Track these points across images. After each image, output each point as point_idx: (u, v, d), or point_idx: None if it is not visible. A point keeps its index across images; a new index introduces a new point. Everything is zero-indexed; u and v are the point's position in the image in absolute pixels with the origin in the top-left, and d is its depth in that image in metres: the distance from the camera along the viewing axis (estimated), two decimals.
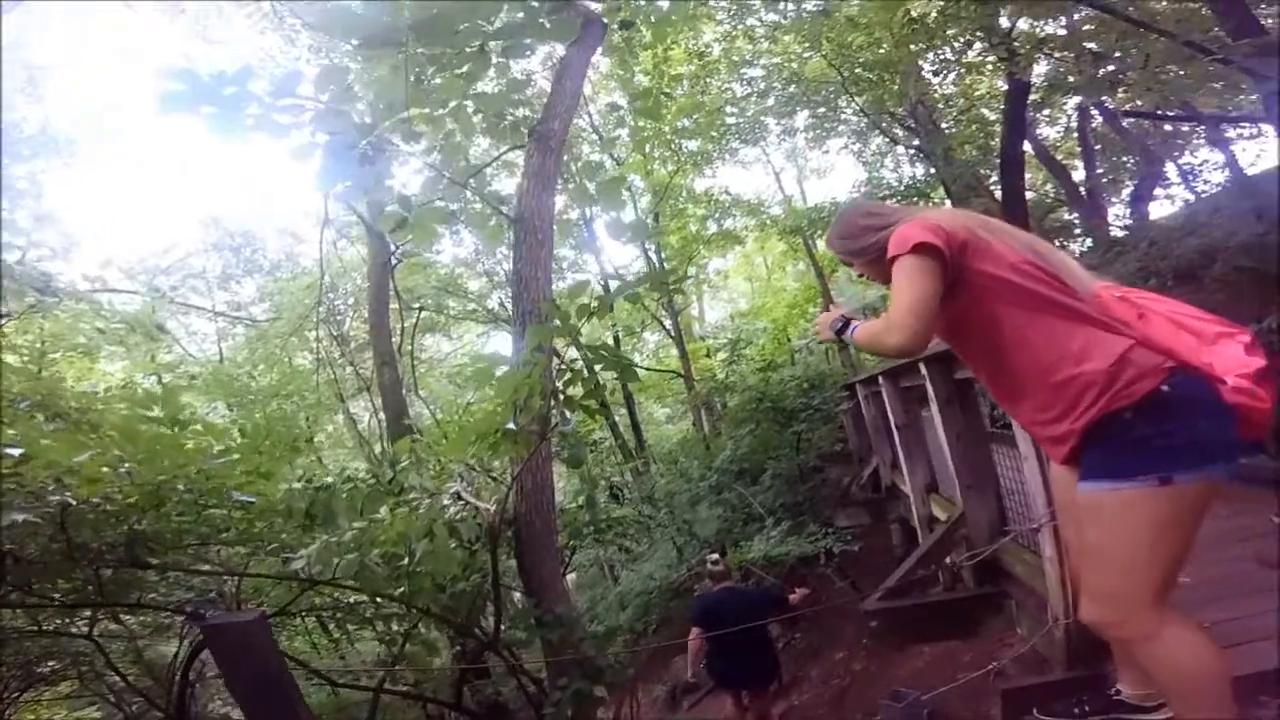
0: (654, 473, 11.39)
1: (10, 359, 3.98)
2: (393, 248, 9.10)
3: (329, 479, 3.36)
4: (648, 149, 12.74)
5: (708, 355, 16.32)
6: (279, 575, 2.94)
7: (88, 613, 3.80)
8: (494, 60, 3.76)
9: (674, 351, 15.22)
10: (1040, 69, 8.70)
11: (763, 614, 4.79)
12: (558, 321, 2.46)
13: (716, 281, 19.21)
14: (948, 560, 3.80)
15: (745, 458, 8.74)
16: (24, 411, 2.80)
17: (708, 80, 12.43)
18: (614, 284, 15.17)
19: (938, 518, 4.79)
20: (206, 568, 3.35)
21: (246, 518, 2.86)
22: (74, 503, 2.11)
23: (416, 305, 12.07)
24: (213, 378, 10.26)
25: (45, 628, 3.71)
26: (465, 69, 3.44)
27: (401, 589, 2.83)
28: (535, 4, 3.95)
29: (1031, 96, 9.37)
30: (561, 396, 2.61)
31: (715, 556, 5.28)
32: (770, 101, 12.24)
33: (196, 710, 4.45)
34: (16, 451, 1.93)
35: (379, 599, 3.03)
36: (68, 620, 3.89)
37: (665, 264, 14.50)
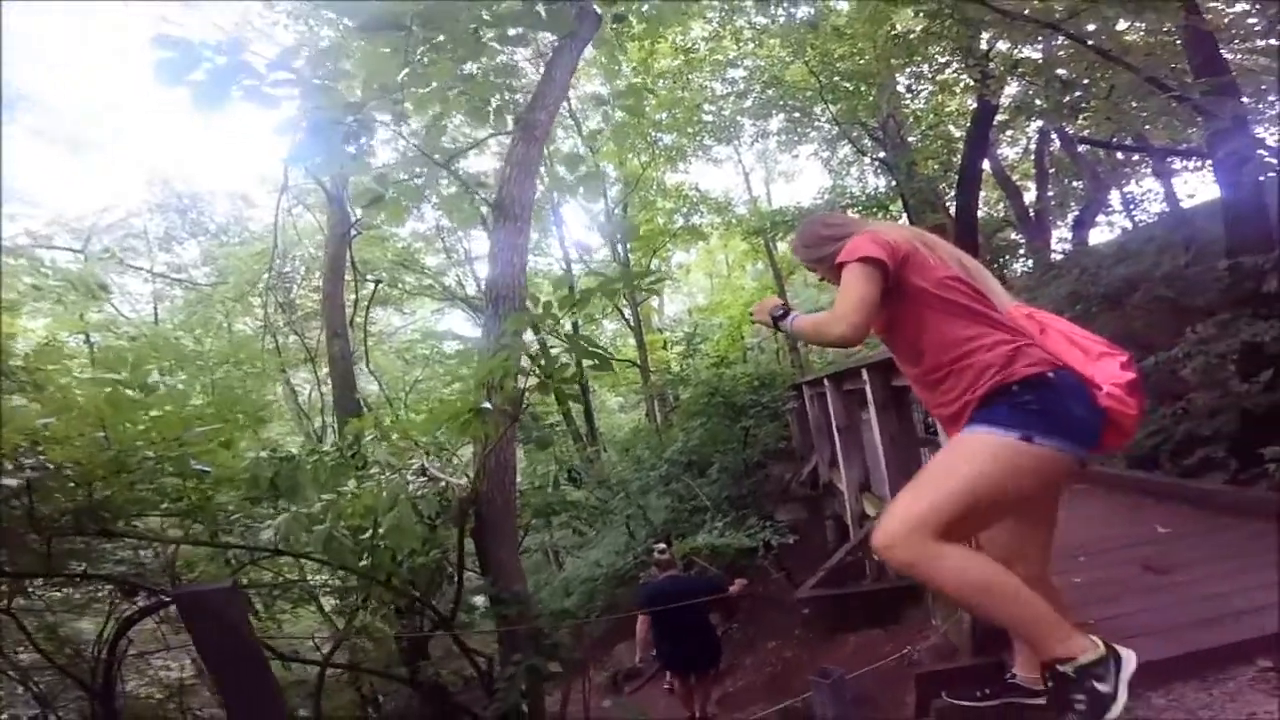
0: (605, 460, 11.54)
1: None
2: (352, 219, 8.93)
3: (293, 450, 3.35)
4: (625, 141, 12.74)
5: (664, 347, 16.54)
6: (244, 546, 2.95)
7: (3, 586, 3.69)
8: (488, 47, 3.80)
9: (631, 341, 15.36)
10: (1009, 90, 9.08)
11: (700, 607, 5.04)
12: (538, 310, 2.56)
13: (678, 275, 19.42)
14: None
15: (695, 450, 8.97)
16: None
17: (690, 76, 12.54)
18: (577, 267, 15.22)
19: (869, 514, 5.10)
20: (174, 535, 3.29)
21: (200, 487, 2.85)
22: (50, 467, 2.09)
23: (372, 278, 11.83)
24: (153, 340, 9.85)
25: None
26: (458, 54, 3.47)
27: (364, 561, 2.88)
28: None
29: (998, 117, 9.78)
30: (538, 380, 2.71)
31: (662, 546, 5.57)
32: (748, 102, 12.43)
33: (121, 689, 4.24)
34: None
35: (343, 571, 3.07)
36: None
37: (630, 254, 14.62)
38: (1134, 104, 6.64)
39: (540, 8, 4.29)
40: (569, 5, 4.85)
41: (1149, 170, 10.82)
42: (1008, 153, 13.42)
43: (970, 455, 1.61)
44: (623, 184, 14.22)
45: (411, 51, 3.30)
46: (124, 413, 2.27)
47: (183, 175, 13.38)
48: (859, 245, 1.75)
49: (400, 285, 14.67)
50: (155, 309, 12.67)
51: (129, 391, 2.38)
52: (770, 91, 12.01)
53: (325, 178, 8.85)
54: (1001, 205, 13.85)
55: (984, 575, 1.56)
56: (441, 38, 3.58)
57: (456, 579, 3.38)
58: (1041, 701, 1.80)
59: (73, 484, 2.27)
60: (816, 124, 12.70)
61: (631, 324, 14.80)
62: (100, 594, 4.17)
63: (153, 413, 2.44)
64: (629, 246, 14.58)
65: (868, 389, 3.89)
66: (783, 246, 13.90)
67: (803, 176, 22.39)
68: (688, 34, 12.00)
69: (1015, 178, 13.18)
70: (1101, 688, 1.52)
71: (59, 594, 4.28)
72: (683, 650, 5.14)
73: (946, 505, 1.55)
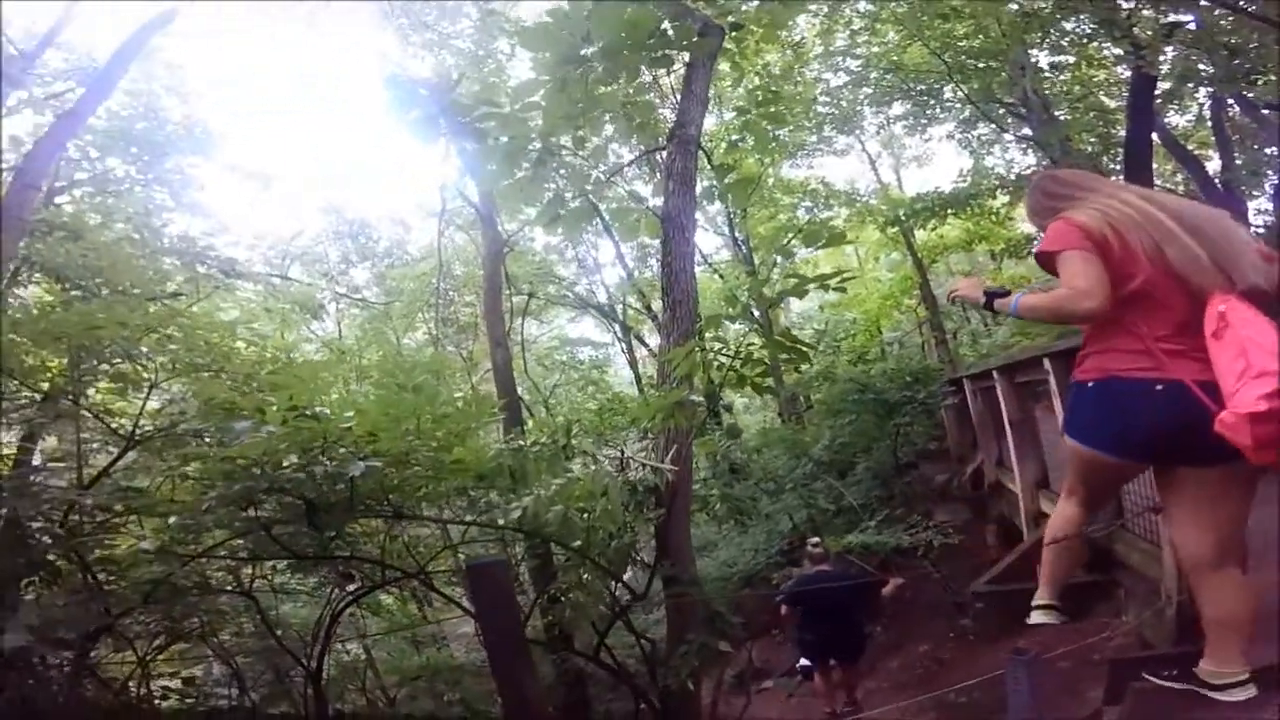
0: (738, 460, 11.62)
1: (212, 336, 4.51)
2: (505, 237, 9.70)
3: (521, 442, 3.83)
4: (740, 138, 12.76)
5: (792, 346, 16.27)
6: (496, 525, 3.42)
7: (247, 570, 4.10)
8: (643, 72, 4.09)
9: (757, 340, 15.27)
10: (1167, 54, 8.29)
11: (855, 595, 5.31)
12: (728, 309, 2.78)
13: (805, 270, 19.09)
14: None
15: (839, 449, 8.84)
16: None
17: (802, 70, 12.43)
18: (700, 270, 15.47)
19: (1046, 513, 4.87)
20: (447, 516, 3.82)
21: (439, 476, 3.34)
22: (379, 464, 2.59)
23: (525, 290, 12.74)
24: (356, 354, 11.22)
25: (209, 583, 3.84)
26: (625, 81, 3.80)
27: (578, 541, 3.26)
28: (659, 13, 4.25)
29: (1160, 85, 8.91)
30: (733, 374, 2.94)
31: (816, 540, 5.80)
32: (868, 90, 12.13)
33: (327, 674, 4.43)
34: (350, 413, 2.43)
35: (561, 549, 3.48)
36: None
37: (753, 253, 14.61)
38: None
39: (667, 26, 4.53)
40: (693, 22, 5.10)
41: None
42: (1177, 121, 12.11)
43: None
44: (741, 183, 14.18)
45: (591, 83, 3.64)
46: (405, 411, 2.76)
47: (351, 204, 15.02)
48: (1056, 235, 1.83)
49: (538, 296, 15.62)
50: (339, 326, 14.38)
51: (404, 394, 2.89)
52: (890, 77, 11.64)
53: (477, 199, 9.75)
54: (1179, 178, 12.47)
55: None
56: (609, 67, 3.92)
57: (657, 559, 3.70)
58: (1219, 697, 1.88)
59: (388, 473, 2.79)
60: (946, 104, 12.15)
61: (760, 324, 14.77)
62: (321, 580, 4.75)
63: (420, 413, 2.94)
64: (752, 246, 14.57)
65: (1051, 379, 3.76)
66: (921, 235, 13.33)
67: (937, 159, 21.20)
68: (793, 30, 11.88)
69: (1192, 147, 11.83)
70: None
71: (286, 578, 4.87)
72: (825, 639, 5.32)
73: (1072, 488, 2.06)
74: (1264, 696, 1.94)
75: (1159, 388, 1.71)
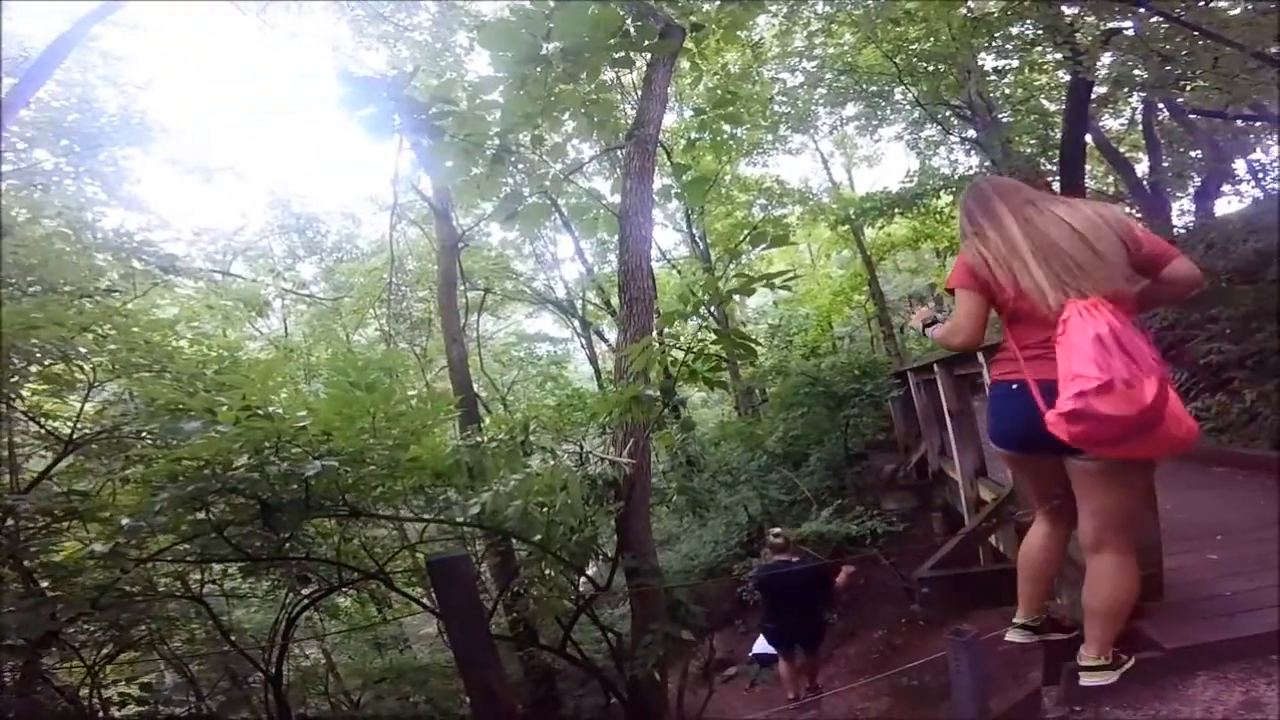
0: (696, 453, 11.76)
1: (153, 335, 4.35)
2: (460, 232, 9.57)
3: (478, 439, 3.82)
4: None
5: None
6: (454, 522, 3.41)
7: (196, 574, 4.01)
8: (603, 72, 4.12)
9: (711, 336, 15.45)
10: (1104, 60, 8.71)
11: (814, 584, 5.55)
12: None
13: (759, 266, 19.39)
14: None
15: (792, 441, 9.03)
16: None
17: (760, 70, 12.61)
18: (658, 267, 15.54)
19: (985, 500, 5.10)
20: (405, 515, 3.77)
21: (395, 474, 3.32)
22: (336, 464, 2.55)
23: (481, 285, 12.57)
24: (298, 350, 10.89)
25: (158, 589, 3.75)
26: (586, 80, 3.82)
27: (539, 536, 3.29)
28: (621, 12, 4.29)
29: (1096, 89, 9.36)
30: (687, 370, 3.01)
31: (778, 530, 5.95)
32: (822, 91, 12.38)
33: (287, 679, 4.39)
34: (303, 412, 2.40)
35: (522, 544, 3.49)
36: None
37: (710, 250, 14.78)
38: (1243, 75, 6.27)
39: (629, 26, 4.58)
40: (655, 22, 5.15)
41: (1276, 138, 10.03)
42: (1111, 125, 12.73)
43: None
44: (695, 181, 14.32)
45: (551, 82, 3.65)
46: (359, 410, 2.73)
47: (298, 197, 14.52)
48: (955, 272, 2.11)
49: (495, 292, 15.46)
50: (285, 323, 13.93)
51: (357, 392, 2.86)
52: (844, 78, 11.93)
53: (431, 195, 9.58)
54: (1111, 179, 13.13)
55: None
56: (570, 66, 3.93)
57: (617, 552, 3.75)
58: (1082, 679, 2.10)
59: (343, 472, 2.75)
60: (896, 106, 12.52)
61: (717, 318, 14.97)
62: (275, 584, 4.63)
63: (375, 410, 2.91)
64: (709, 243, 14.73)
65: (984, 372, 3.95)
66: (870, 233, 13.69)
67: (886, 160, 21.81)
68: (753, 30, 12.06)
69: (1123, 149, 12.46)
70: None
71: (238, 582, 4.76)
72: (787, 629, 5.60)
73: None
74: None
75: (1014, 387, 1.99)
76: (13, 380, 3.75)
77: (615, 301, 14.49)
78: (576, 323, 15.57)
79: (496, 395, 14.50)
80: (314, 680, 5.67)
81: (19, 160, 8.16)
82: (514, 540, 4.15)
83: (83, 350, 3.66)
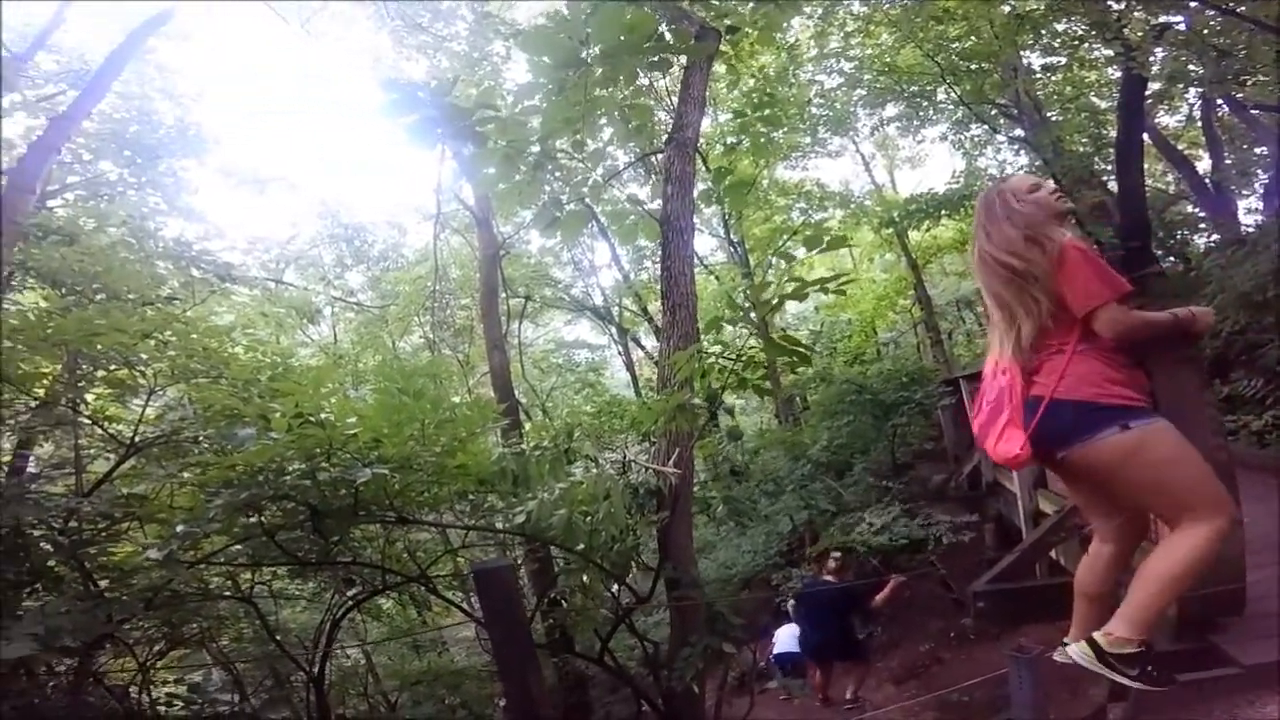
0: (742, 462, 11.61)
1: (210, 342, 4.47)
2: (500, 240, 9.69)
3: (523, 446, 3.83)
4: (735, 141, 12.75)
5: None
6: (499, 530, 3.42)
7: (246, 575, 4.09)
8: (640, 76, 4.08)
9: (752, 343, 15.28)
10: (1157, 55, 8.37)
11: (846, 603, 6.04)
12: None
13: (799, 272, 19.11)
14: None
15: (836, 450, 8.84)
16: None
17: (796, 72, 12.47)
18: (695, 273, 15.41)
19: (1045, 512, 4.89)
20: (452, 521, 3.81)
21: (441, 481, 3.33)
22: (386, 471, 2.58)
23: (521, 293, 12.72)
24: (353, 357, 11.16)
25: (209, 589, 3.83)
26: (623, 84, 3.79)
27: (582, 545, 3.26)
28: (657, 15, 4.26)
29: (1151, 86, 9.00)
30: (734, 377, 2.95)
31: (838, 554, 6.43)
32: (861, 92, 12.17)
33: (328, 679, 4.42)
34: (352, 419, 2.43)
35: (563, 552, 3.49)
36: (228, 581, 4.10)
37: (749, 255, 14.63)
38: None
39: (665, 30, 4.55)
40: (689, 25, 5.10)
41: None
42: (1167, 121, 12.18)
43: None
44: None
45: (590, 86, 3.63)
46: (407, 416, 2.76)
47: (346, 207, 14.92)
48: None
49: (535, 299, 15.61)
50: (334, 330, 14.31)
51: (405, 399, 2.90)
52: (884, 78, 11.69)
53: (472, 203, 9.74)
54: (1169, 178, 12.56)
55: None
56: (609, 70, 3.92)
57: (660, 562, 3.71)
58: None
59: (392, 478, 2.78)
60: (939, 106, 12.21)
61: (756, 326, 14.77)
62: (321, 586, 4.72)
63: (424, 418, 2.93)
64: (748, 248, 14.59)
65: None
66: (915, 236, 13.37)
67: (930, 161, 21.39)
68: (788, 32, 11.92)
69: (1182, 147, 11.92)
70: None
71: (285, 584, 4.86)
72: (819, 641, 6.15)
73: None
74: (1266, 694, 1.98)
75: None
76: (79, 385, 3.91)
77: (653, 308, 14.53)
78: (614, 329, 15.59)
79: (536, 402, 14.62)
80: (353, 680, 5.76)
81: (85, 171, 8.54)
82: (552, 548, 4.14)
83: (144, 356, 3.79)
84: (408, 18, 10.21)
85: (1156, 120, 11.41)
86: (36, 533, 3.07)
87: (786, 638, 6.97)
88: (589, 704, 6.63)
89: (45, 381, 4.00)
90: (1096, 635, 1.85)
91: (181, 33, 10.74)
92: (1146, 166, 10.91)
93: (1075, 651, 1.91)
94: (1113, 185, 9.81)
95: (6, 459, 4.69)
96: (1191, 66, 7.83)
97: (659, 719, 4.09)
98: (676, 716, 4.05)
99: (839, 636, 6.06)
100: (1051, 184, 2.06)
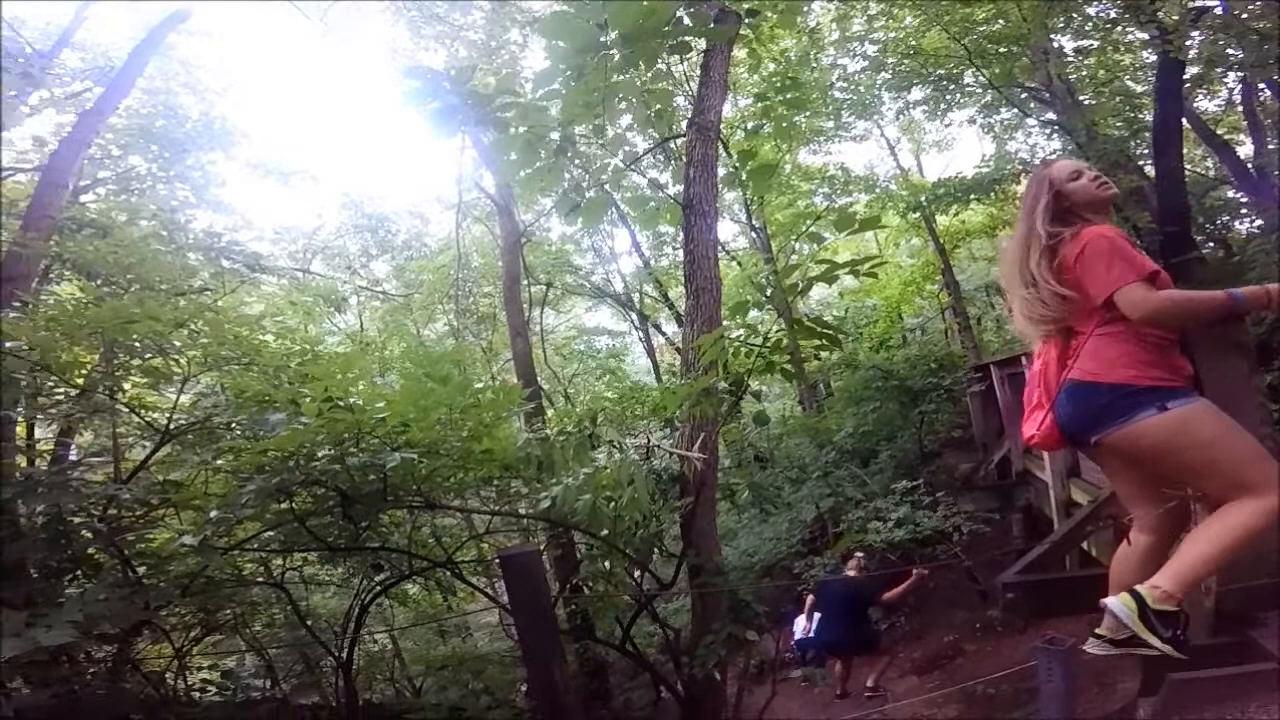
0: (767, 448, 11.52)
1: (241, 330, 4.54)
2: (522, 227, 9.70)
3: (547, 432, 3.85)
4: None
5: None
6: (524, 515, 3.45)
7: (278, 560, 4.17)
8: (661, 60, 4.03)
9: (775, 329, 15.14)
10: (1194, 38, 8.09)
11: (856, 599, 6.24)
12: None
13: (816, 256, 18.85)
14: None
15: (861, 437, 8.74)
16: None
17: (818, 56, 12.25)
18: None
19: (1078, 502, 4.79)
20: (478, 507, 3.86)
21: (467, 466, 3.36)
22: (415, 456, 2.61)
23: (544, 280, 12.76)
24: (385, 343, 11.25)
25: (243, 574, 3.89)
26: (643, 68, 3.75)
27: (605, 531, 3.28)
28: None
29: (1189, 69, 8.69)
30: (761, 361, 2.92)
31: (862, 554, 6.57)
32: (885, 75, 11.91)
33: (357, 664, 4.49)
34: (380, 404, 2.46)
35: (586, 538, 3.51)
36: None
37: (771, 241, 14.47)
38: None
39: (683, 14, 4.47)
40: (709, 8, 5.01)
41: None
42: (1206, 106, 11.75)
43: None
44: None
45: (610, 70, 3.59)
46: (434, 402, 2.78)
47: (369, 198, 15.05)
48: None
49: (556, 286, 15.64)
50: (360, 318, 14.51)
51: (431, 385, 2.92)
52: (908, 62, 11.43)
53: (493, 191, 9.76)
54: (1209, 163, 12.14)
55: None
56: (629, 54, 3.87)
57: (684, 549, 3.71)
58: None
59: (419, 463, 2.82)
60: (967, 89, 11.91)
61: (779, 310, 14.62)
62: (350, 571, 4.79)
63: (451, 403, 2.96)
64: (770, 233, 14.42)
65: None
66: (943, 220, 13.10)
67: (958, 144, 20.94)
68: (808, 16, 11.68)
69: (1222, 131, 11.50)
70: None
71: (316, 569, 4.96)
72: (832, 634, 6.31)
73: None
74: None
75: None
76: (116, 374, 4.01)
77: (673, 294, 14.46)
78: (634, 316, 15.58)
79: (559, 388, 14.68)
80: (380, 665, 5.87)
81: (115, 166, 8.71)
82: (575, 534, 4.16)
83: (177, 344, 3.87)
84: (424, 8, 10.22)
85: (1195, 104, 11.01)
86: (77, 520, 3.16)
87: (804, 626, 6.98)
88: (608, 690, 6.68)
89: (84, 371, 4.10)
90: (1141, 588, 1.81)
91: (202, 29, 10.86)
92: (1185, 151, 10.56)
93: (1115, 604, 1.84)
94: (1149, 170, 9.49)
95: (48, 447, 4.83)
96: (1230, 50, 7.56)
97: (679, 706, 4.10)
98: (697, 704, 4.06)
99: (856, 630, 6.20)
100: (1094, 171, 2.00)
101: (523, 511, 3.52)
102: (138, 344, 3.66)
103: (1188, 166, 10.90)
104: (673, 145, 7.15)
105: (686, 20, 4.47)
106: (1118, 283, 1.77)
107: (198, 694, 3.75)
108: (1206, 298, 1.87)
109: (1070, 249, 1.85)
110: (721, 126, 8.49)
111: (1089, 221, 1.91)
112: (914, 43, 11.40)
